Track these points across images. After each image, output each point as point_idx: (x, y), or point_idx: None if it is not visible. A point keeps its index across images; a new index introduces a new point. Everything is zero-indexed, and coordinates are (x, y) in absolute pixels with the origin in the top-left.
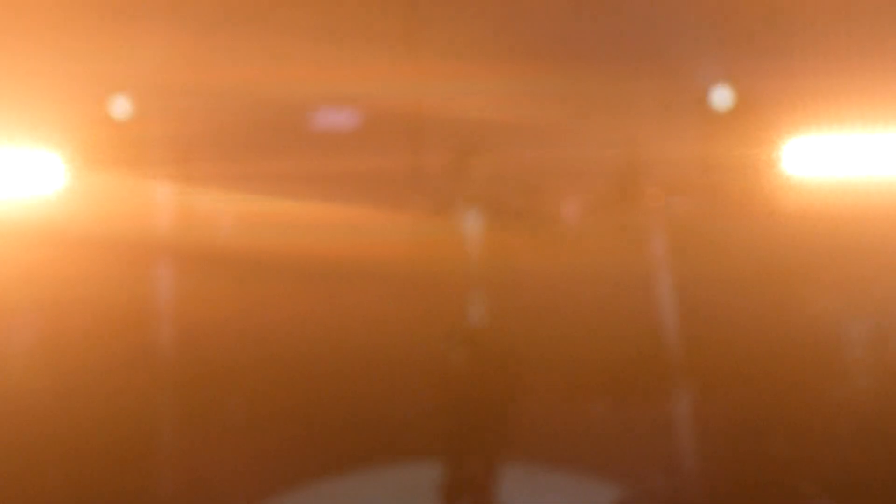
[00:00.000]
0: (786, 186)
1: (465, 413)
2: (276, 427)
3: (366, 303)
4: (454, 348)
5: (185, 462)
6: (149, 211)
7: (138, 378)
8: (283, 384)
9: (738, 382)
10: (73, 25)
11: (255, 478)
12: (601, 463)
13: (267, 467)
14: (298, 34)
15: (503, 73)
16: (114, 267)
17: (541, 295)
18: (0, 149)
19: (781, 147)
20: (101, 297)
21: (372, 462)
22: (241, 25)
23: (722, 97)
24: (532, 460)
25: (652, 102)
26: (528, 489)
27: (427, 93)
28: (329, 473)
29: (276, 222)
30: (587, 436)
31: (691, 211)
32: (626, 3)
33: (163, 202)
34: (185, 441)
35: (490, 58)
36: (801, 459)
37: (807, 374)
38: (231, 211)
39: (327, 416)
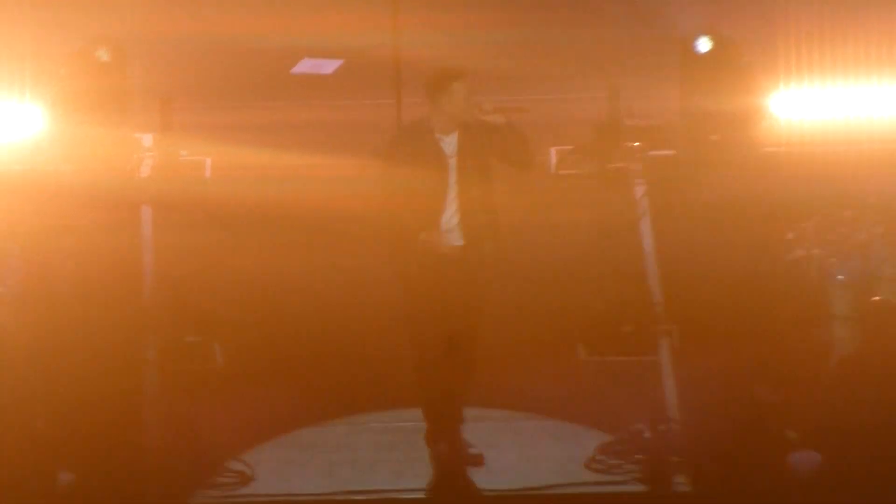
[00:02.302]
0: (768, 132)
1: (448, 359)
2: (260, 374)
3: (349, 250)
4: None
5: (170, 410)
6: (130, 159)
7: (121, 323)
8: (267, 332)
9: (723, 329)
10: None
11: (239, 425)
12: (585, 409)
13: (252, 415)
14: None
15: (485, 23)
16: (96, 214)
17: (525, 241)
18: None
19: (764, 93)
20: (83, 244)
21: (357, 409)
22: None
23: (704, 44)
24: (517, 406)
25: (634, 49)
26: (513, 434)
27: (409, 43)
28: (314, 421)
29: (259, 171)
30: (572, 381)
31: (673, 158)
32: None
33: (144, 150)
34: (170, 389)
35: (472, 8)
36: (785, 406)
37: (792, 319)
38: (213, 159)
39: (312, 363)
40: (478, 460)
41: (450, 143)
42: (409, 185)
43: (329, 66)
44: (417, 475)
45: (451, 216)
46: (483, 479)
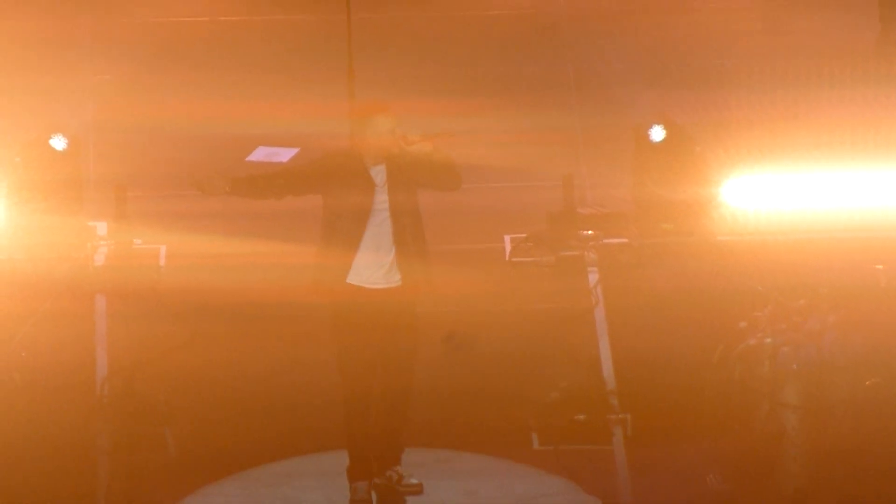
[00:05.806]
0: (721, 220)
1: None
2: (213, 464)
3: (301, 341)
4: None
5: (120, 492)
6: (84, 247)
7: (74, 411)
8: (217, 419)
9: (676, 418)
10: (8, 63)
11: None
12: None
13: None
14: (237, 72)
15: (439, 111)
16: (49, 303)
17: (478, 328)
18: None
19: (716, 182)
20: (36, 333)
21: None
22: (179, 63)
23: (657, 132)
24: (469, 496)
25: (589, 137)
26: None
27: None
28: None
29: (213, 260)
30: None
31: (627, 246)
32: (561, 40)
33: (99, 239)
34: (121, 472)
35: (427, 96)
36: (738, 496)
37: (743, 408)
38: (168, 247)
39: (264, 453)
40: (416, 489)
41: (378, 173)
42: (340, 214)
43: (285, 155)
44: None
45: (386, 251)
46: None
